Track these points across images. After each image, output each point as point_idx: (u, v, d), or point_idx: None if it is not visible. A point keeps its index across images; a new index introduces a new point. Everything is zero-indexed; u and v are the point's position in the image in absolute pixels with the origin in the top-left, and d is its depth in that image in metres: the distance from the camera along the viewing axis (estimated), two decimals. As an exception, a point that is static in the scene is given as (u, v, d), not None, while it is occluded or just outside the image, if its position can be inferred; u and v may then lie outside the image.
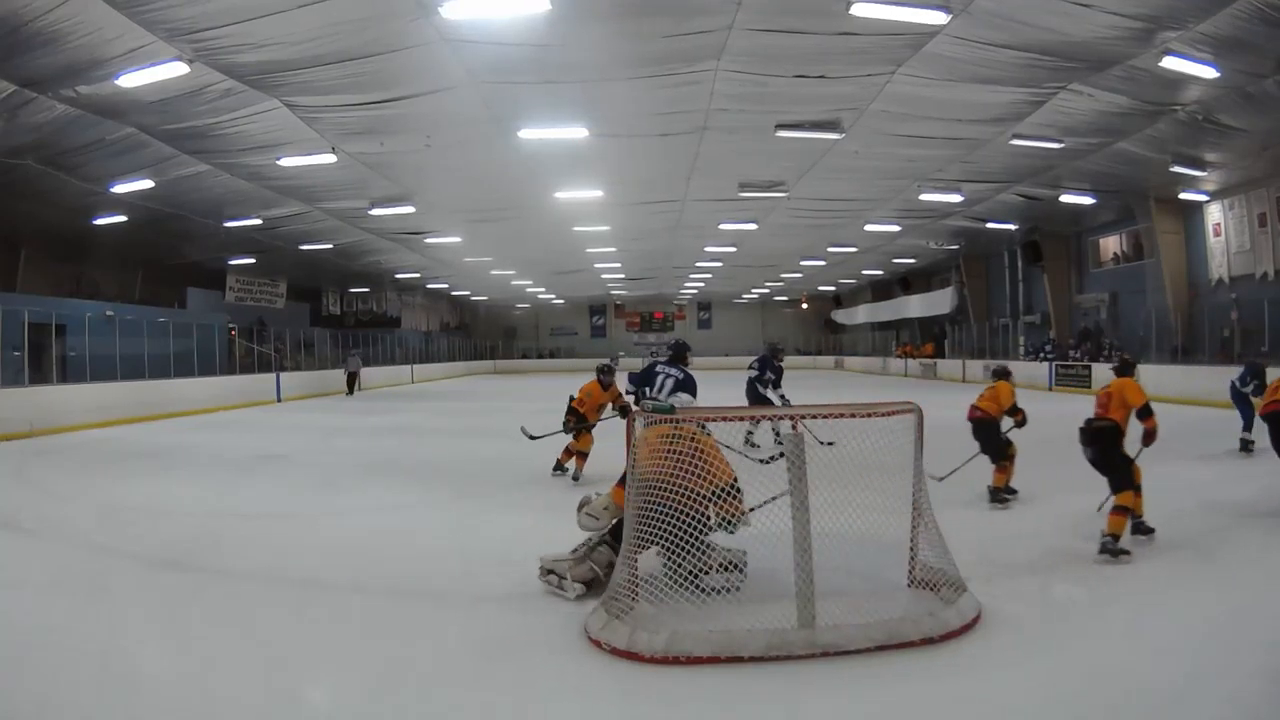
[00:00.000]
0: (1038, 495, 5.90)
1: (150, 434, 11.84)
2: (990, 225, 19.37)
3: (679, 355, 5.26)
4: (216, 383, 17.24)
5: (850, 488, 3.60)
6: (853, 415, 3.51)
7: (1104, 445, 4.58)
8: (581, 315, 43.98)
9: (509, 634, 3.39)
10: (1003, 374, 6.23)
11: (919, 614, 3.26)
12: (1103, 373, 17.60)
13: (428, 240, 20.34)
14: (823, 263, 27.07)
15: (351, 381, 22.18)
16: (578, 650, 3.18)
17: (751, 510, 3.68)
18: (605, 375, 7.27)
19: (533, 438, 7.71)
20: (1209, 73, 8.98)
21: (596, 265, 27.13)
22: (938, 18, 7.64)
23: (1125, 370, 5.14)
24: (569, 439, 7.22)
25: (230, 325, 21.31)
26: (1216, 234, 16.21)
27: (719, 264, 27.40)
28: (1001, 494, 5.77)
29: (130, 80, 8.47)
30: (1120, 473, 4.49)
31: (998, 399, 5.93)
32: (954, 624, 3.23)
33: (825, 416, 3.54)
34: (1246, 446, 7.82)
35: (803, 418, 3.46)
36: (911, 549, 3.73)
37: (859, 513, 3.56)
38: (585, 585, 3.79)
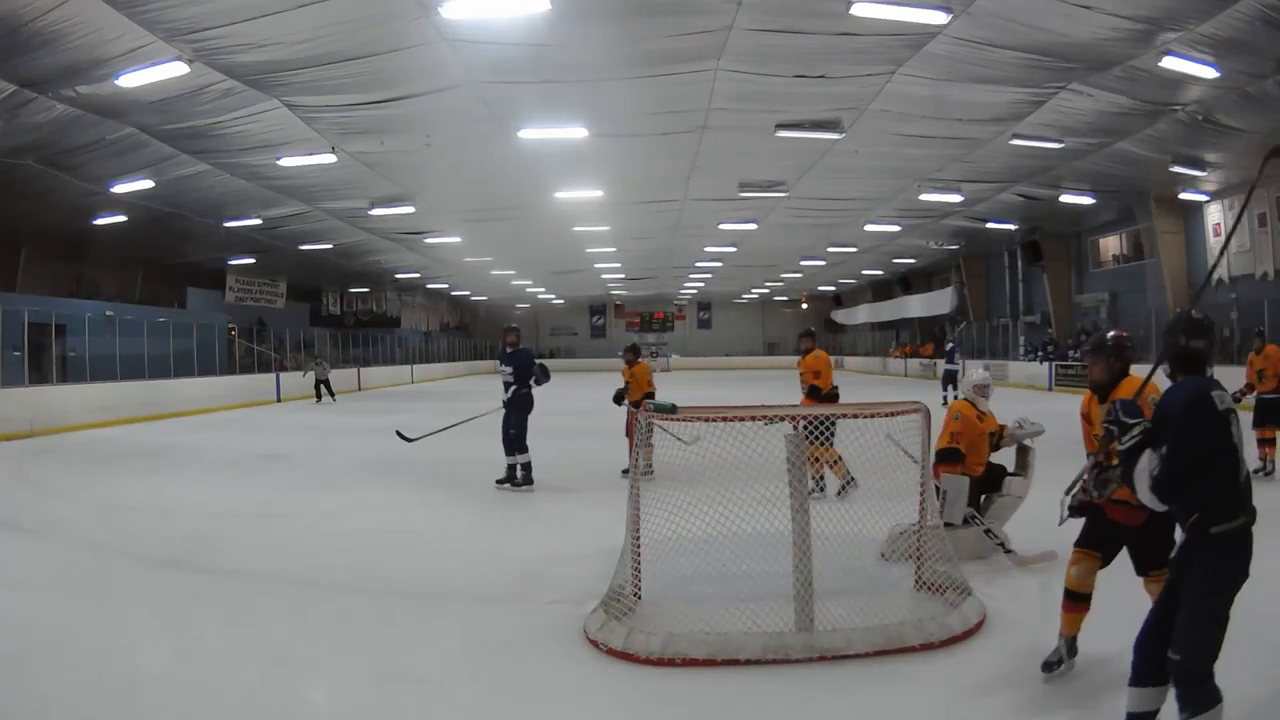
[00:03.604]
0: (1036, 495, 5.89)
1: (150, 434, 11.84)
2: (990, 225, 19.35)
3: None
4: (216, 383, 17.24)
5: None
6: (856, 415, 3.49)
7: None
8: (581, 315, 43.92)
9: (507, 634, 3.40)
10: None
11: (921, 618, 3.21)
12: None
13: (428, 240, 20.31)
14: (823, 263, 27.04)
15: (320, 388, 19.83)
16: (575, 650, 3.18)
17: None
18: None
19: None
20: (1209, 73, 8.96)
21: (596, 265, 27.10)
22: (938, 18, 7.62)
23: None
24: None
25: (230, 325, 21.26)
26: (1216, 234, 16.19)
27: (719, 264, 27.35)
28: None
29: (130, 80, 8.44)
30: None
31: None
32: (956, 629, 3.18)
33: (829, 416, 3.52)
34: None
35: (804, 417, 3.46)
36: (918, 551, 3.66)
37: (862, 513, 3.55)
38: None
